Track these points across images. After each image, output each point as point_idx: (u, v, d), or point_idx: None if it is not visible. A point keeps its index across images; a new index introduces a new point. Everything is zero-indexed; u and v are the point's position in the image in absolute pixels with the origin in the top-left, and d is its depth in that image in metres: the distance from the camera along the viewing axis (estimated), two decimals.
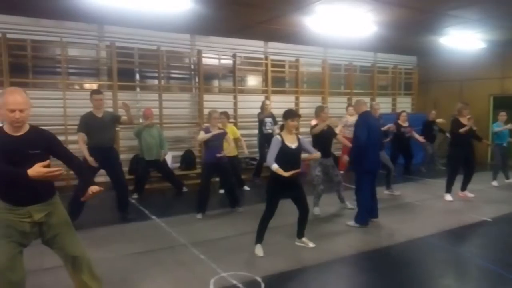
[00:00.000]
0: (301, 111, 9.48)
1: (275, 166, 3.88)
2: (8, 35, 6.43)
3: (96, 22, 7.12)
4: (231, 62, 8.72)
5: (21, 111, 2.45)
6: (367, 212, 5.01)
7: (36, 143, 2.54)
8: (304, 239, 4.38)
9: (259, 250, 4.11)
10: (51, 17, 6.64)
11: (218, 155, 5.37)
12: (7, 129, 2.51)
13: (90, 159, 4.76)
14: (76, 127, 5.15)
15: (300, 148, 4.10)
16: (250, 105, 8.51)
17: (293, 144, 4.03)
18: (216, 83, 9.01)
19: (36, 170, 2.33)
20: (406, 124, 7.80)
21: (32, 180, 2.35)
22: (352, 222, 5.03)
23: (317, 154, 4.29)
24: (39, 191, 2.54)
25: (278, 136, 4.04)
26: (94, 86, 7.27)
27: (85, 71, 7.55)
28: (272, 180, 4.06)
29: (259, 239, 4.15)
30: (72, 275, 2.76)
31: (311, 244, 4.33)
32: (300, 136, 4.24)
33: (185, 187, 6.93)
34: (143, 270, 3.71)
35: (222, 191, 6.60)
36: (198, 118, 8.26)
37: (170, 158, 7.52)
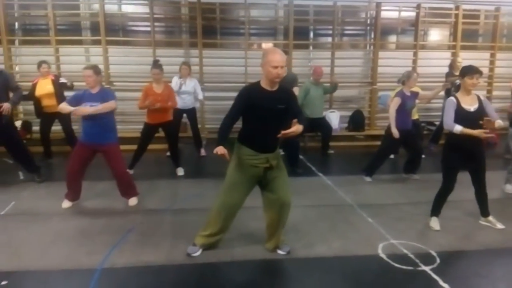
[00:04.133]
0: (497, 70, 8.08)
1: (458, 128, 3.39)
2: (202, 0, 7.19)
3: None
4: (413, 14, 7.87)
5: (281, 67, 2.75)
6: None
7: (283, 99, 2.87)
8: (490, 218, 3.81)
9: (435, 223, 3.75)
10: None
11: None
12: (264, 84, 2.85)
13: None
14: None
15: (481, 111, 3.49)
16: (432, 62, 7.61)
17: (471, 106, 3.46)
18: (393, 38, 8.32)
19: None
20: None
21: (274, 134, 2.79)
22: None
23: (499, 122, 3.55)
24: (274, 143, 2.94)
25: (452, 98, 3.51)
26: (267, 46, 7.61)
27: (264, 31, 7.95)
28: (450, 148, 3.59)
29: (436, 211, 3.79)
30: (273, 217, 3.09)
31: (499, 225, 3.74)
32: (482, 97, 3.59)
33: (332, 149, 6.79)
34: (312, 222, 3.86)
35: (392, 155, 6.27)
36: (371, 77, 7.85)
37: (337, 118, 7.45)
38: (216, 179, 4.34)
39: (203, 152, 6.52)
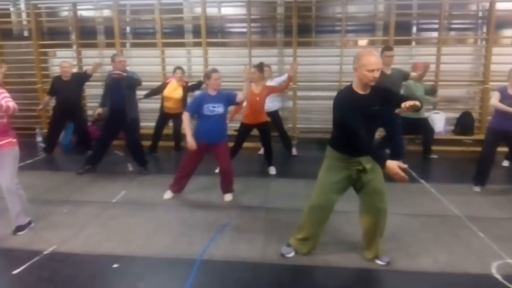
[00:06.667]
0: None
1: None
2: None
3: None
4: None
5: (378, 70, 2.66)
6: None
7: (377, 100, 2.76)
8: None
9: None
10: None
11: None
12: (356, 88, 2.77)
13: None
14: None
15: None
16: None
17: None
18: (509, 33, 7.39)
19: (394, 168, 2.45)
20: None
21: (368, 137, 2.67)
22: None
23: None
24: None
25: None
26: (364, 42, 7.29)
27: (361, 28, 7.64)
28: None
29: None
30: (368, 224, 2.98)
31: None
32: None
33: (435, 153, 6.23)
34: (413, 232, 3.59)
35: (506, 163, 5.59)
36: (483, 75, 7.08)
37: (442, 120, 6.87)
38: (308, 179, 4.27)
39: (294, 151, 6.49)
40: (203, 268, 3.00)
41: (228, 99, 4.28)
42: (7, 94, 3.39)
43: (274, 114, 6.20)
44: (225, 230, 3.65)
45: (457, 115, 7.12)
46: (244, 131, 5.36)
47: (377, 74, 2.64)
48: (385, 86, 4.73)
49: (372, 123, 2.78)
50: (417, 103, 2.55)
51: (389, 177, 2.56)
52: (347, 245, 3.31)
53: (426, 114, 6.29)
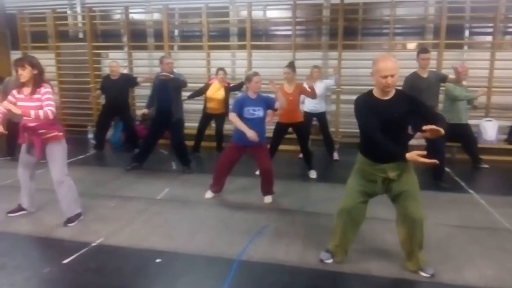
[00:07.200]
0: None
1: None
2: (346, 1, 7.06)
3: None
4: None
5: (392, 76, 2.61)
6: None
7: (400, 106, 2.68)
8: None
9: None
10: None
11: None
12: (376, 93, 2.74)
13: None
14: None
15: None
16: None
17: None
18: None
19: (413, 157, 2.46)
20: None
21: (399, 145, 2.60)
22: None
23: None
24: None
25: None
26: (412, 46, 7.07)
27: (410, 31, 7.42)
28: None
29: None
30: (404, 235, 2.91)
31: None
32: None
33: (485, 163, 5.90)
34: (459, 244, 3.43)
35: None
36: None
37: (495, 128, 6.51)
38: None
39: (336, 156, 6.41)
40: (242, 268, 3.03)
41: (267, 103, 4.33)
42: (51, 96, 3.59)
43: (321, 116, 6.15)
44: (264, 232, 3.67)
45: (510, 123, 6.74)
46: (280, 131, 5.36)
47: (390, 80, 2.59)
48: (421, 89, 4.67)
49: (395, 130, 2.68)
50: (442, 131, 2.45)
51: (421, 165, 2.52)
52: (389, 254, 3.22)
53: (471, 121, 5.90)
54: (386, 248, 3.33)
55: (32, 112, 3.44)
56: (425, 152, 2.45)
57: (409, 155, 2.48)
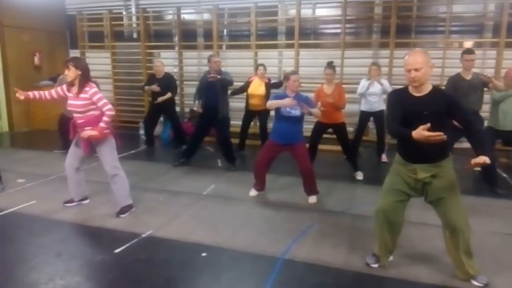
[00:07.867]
0: None
1: None
2: None
3: None
4: None
5: (416, 70, 2.53)
6: None
7: (433, 104, 2.57)
8: None
9: None
10: None
11: None
12: (410, 88, 2.68)
13: None
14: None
15: None
16: None
17: None
18: None
19: (419, 132, 2.39)
20: None
21: (420, 141, 2.42)
22: None
23: None
24: (428, 151, 2.59)
25: None
26: (469, 44, 6.70)
27: (467, 28, 7.04)
28: None
29: None
30: (448, 242, 2.81)
31: None
32: None
33: None
34: None
35: None
36: None
37: None
38: None
39: (384, 158, 6.23)
40: (285, 267, 3.04)
41: (305, 103, 4.24)
42: (101, 95, 3.79)
43: (378, 115, 5.94)
44: (309, 232, 3.65)
45: None
46: (318, 130, 5.28)
47: (414, 74, 2.53)
48: (464, 91, 4.40)
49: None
50: (488, 161, 2.38)
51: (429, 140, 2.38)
52: (439, 261, 3.09)
53: None
54: (436, 254, 3.20)
55: (102, 124, 3.71)
56: (429, 124, 2.35)
57: (415, 132, 2.40)
